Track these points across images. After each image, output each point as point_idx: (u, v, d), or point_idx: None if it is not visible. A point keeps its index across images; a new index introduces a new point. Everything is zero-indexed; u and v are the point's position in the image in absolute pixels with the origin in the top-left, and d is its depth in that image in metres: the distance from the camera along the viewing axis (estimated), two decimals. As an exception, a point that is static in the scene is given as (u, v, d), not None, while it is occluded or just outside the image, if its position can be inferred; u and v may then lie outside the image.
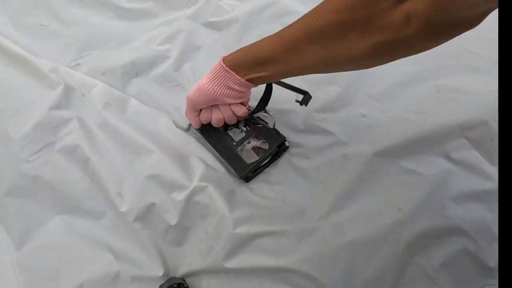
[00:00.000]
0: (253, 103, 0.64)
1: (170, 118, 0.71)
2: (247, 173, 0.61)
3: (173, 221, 0.58)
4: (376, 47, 0.41)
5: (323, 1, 0.42)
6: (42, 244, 0.59)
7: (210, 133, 0.66)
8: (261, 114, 0.68)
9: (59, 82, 0.71)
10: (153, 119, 0.69)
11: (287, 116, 0.71)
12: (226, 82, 0.55)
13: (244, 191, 0.62)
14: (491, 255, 0.53)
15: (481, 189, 0.57)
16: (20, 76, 0.75)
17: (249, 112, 0.62)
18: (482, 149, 0.60)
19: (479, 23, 0.39)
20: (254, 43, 0.52)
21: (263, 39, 0.51)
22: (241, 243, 0.56)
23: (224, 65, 0.54)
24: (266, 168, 0.64)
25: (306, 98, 0.62)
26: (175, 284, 0.53)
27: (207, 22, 0.85)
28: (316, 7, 0.43)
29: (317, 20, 0.43)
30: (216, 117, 0.61)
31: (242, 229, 0.57)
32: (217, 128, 0.65)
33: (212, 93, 0.56)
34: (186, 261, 0.57)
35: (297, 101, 0.62)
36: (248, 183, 0.63)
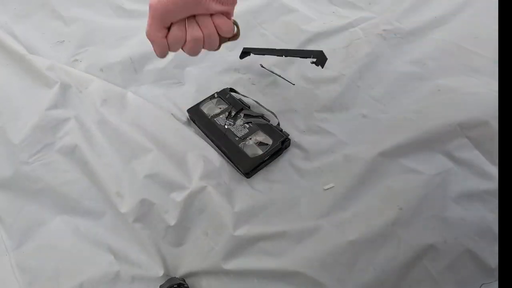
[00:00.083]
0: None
1: (169, 114, 0.71)
2: (250, 168, 0.61)
3: (173, 222, 0.58)
4: None
5: None
6: (42, 244, 0.59)
7: (210, 128, 0.67)
8: (264, 112, 0.69)
9: (56, 80, 0.71)
10: (152, 116, 0.69)
11: (288, 116, 0.71)
12: None
13: (244, 191, 0.62)
14: (492, 256, 0.53)
15: (482, 189, 0.57)
16: (18, 75, 0.75)
17: (236, 30, 0.49)
18: (483, 148, 0.60)
19: None
20: None
21: None
22: (241, 244, 0.56)
23: None
24: (267, 168, 0.64)
25: (320, 59, 0.58)
26: (175, 284, 0.53)
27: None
28: None
29: None
30: (193, 36, 0.43)
31: (242, 230, 0.57)
32: (207, 116, 0.65)
33: None
34: (186, 262, 0.57)
35: (312, 62, 0.59)
36: (248, 183, 0.63)
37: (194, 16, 0.42)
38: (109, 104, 0.69)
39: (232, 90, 0.75)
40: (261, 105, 0.70)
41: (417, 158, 0.61)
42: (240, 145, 0.64)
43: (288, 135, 0.65)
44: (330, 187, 0.57)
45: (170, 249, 0.58)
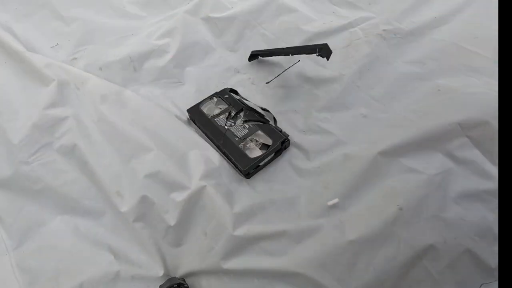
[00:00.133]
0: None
1: (169, 113, 0.71)
2: (250, 168, 0.61)
3: (173, 222, 0.58)
4: None
5: None
6: (42, 244, 0.59)
7: (210, 128, 0.67)
8: (263, 113, 0.69)
9: (54, 78, 0.71)
10: (152, 115, 0.69)
11: (288, 116, 0.71)
12: None
13: (243, 191, 0.62)
14: (492, 256, 0.53)
15: (482, 189, 0.57)
16: (16, 74, 0.75)
17: None
18: (483, 148, 0.60)
19: None
20: None
21: None
22: (241, 244, 0.56)
23: None
24: (267, 168, 0.64)
25: (325, 51, 0.61)
26: (175, 284, 0.53)
27: (207, 17, 0.85)
28: None
29: None
30: None
31: (242, 230, 0.56)
32: (207, 116, 0.66)
33: None
34: (186, 261, 0.57)
35: (318, 54, 0.62)
36: (248, 183, 0.63)
37: None
38: (108, 102, 0.69)
39: (232, 90, 0.75)
40: (261, 108, 0.69)
41: (417, 158, 0.61)
42: (240, 145, 0.64)
43: (288, 135, 0.65)
44: (334, 203, 0.57)
45: (170, 249, 0.58)
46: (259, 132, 0.66)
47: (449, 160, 0.60)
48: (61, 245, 0.59)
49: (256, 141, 0.65)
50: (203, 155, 0.64)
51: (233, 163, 0.63)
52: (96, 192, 0.63)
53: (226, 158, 0.65)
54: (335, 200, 0.57)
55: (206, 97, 0.73)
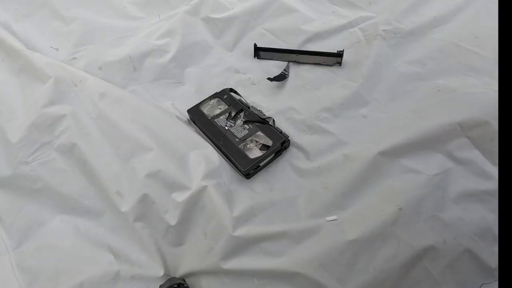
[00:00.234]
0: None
1: (169, 113, 0.71)
2: (250, 169, 0.61)
3: (173, 222, 0.58)
4: None
5: None
6: (42, 244, 0.59)
7: (210, 128, 0.67)
8: (260, 113, 0.69)
9: (53, 77, 0.71)
10: (152, 114, 0.69)
11: (288, 116, 0.71)
12: None
13: (244, 191, 0.62)
14: (492, 256, 0.53)
15: (482, 189, 0.57)
16: (14, 73, 0.75)
17: None
18: (483, 148, 0.60)
19: None
20: None
21: None
22: (241, 244, 0.56)
23: None
24: (267, 168, 0.64)
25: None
26: (175, 284, 0.53)
27: (207, 18, 0.85)
28: None
29: None
30: None
31: (242, 230, 0.56)
32: (207, 117, 0.67)
33: None
34: (186, 262, 0.57)
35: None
36: (248, 183, 0.63)
37: None
38: (107, 100, 0.69)
39: (232, 90, 0.75)
40: (260, 118, 0.69)
41: (417, 158, 0.61)
42: (240, 146, 0.64)
43: (288, 136, 0.65)
44: (333, 220, 0.57)
45: (170, 249, 0.58)
46: (259, 133, 0.66)
47: (449, 160, 0.60)
48: (61, 245, 0.59)
49: (256, 141, 0.65)
50: (203, 155, 0.64)
51: (233, 163, 0.63)
52: (96, 191, 0.63)
53: (226, 159, 0.65)
54: (334, 217, 0.57)
55: (206, 97, 0.73)
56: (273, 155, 0.64)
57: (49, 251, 0.58)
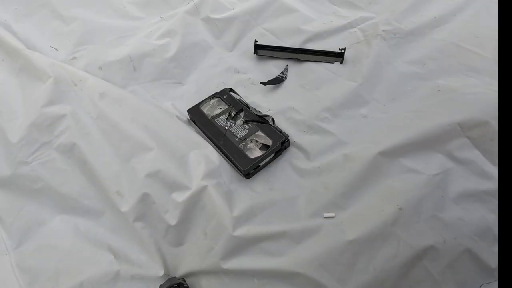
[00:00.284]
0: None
1: (169, 113, 0.71)
2: (250, 168, 0.61)
3: (173, 221, 0.58)
4: None
5: None
6: (42, 244, 0.59)
7: (210, 128, 0.67)
8: (259, 113, 0.69)
9: (53, 77, 0.71)
10: (152, 114, 0.69)
11: (288, 116, 0.71)
12: None
13: (244, 191, 0.62)
14: (492, 256, 0.53)
15: (482, 189, 0.57)
16: (14, 72, 0.75)
17: None
18: (483, 148, 0.60)
19: None
20: None
21: None
22: (241, 244, 0.56)
23: None
24: (267, 168, 0.64)
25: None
26: (175, 284, 0.53)
27: (207, 18, 0.85)
28: None
29: None
30: None
31: (242, 230, 0.56)
32: (207, 117, 0.67)
33: None
34: (186, 261, 0.57)
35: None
36: (248, 183, 0.63)
37: None
38: (107, 99, 0.69)
39: (232, 90, 0.75)
40: (259, 116, 0.69)
41: (417, 158, 0.61)
42: (240, 146, 0.64)
43: (288, 136, 0.65)
44: (330, 216, 0.57)
45: (170, 249, 0.58)
46: (259, 132, 0.66)
47: (448, 160, 0.60)
48: (61, 245, 0.59)
49: (256, 141, 0.65)
50: (203, 155, 0.63)
51: (233, 163, 0.63)
52: (96, 191, 0.63)
53: (226, 159, 0.65)
54: (332, 214, 0.57)
55: (206, 97, 0.73)
56: (273, 154, 0.64)
57: (49, 251, 0.58)
